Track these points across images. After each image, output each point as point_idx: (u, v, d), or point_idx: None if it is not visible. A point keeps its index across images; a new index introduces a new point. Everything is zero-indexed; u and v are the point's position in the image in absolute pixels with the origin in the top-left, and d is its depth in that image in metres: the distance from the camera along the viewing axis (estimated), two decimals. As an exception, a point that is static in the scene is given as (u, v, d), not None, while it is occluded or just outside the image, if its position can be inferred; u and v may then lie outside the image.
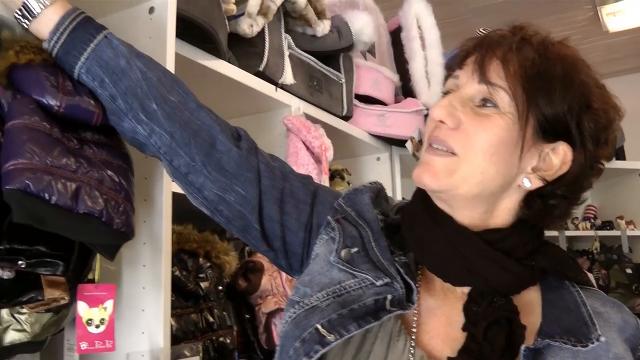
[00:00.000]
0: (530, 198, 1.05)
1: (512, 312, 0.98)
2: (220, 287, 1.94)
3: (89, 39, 1.19)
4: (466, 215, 1.04)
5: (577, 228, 3.96)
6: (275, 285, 2.05)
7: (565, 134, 1.01)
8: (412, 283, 1.04)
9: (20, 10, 1.17)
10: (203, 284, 1.82)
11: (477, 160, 0.99)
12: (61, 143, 1.18)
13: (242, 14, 2.02)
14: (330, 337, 0.95)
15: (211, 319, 1.85)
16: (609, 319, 1.03)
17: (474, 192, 1.01)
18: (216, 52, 1.91)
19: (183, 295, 1.79)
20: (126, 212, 1.23)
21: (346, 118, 2.75)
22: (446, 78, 1.13)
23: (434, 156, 1.02)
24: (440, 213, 1.06)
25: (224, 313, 1.93)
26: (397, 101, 3.11)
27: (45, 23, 1.18)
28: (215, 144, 1.20)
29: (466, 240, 1.03)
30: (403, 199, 3.20)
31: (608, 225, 4.16)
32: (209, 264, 1.85)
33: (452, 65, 1.10)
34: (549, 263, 1.05)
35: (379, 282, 1.03)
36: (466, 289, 1.04)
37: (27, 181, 1.07)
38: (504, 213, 1.06)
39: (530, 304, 1.05)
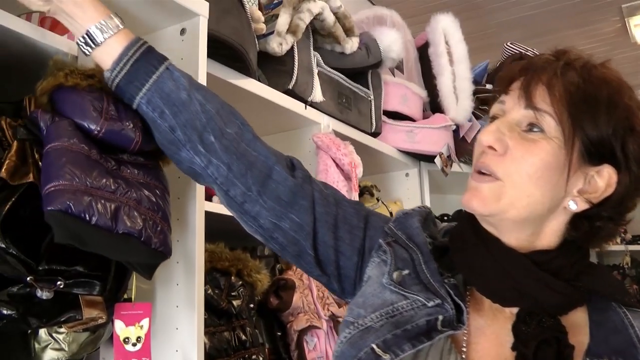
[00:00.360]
0: (577, 220, 1.06)
1: (561, 332, 0.99)
2: (252, 305, 1.95)
3: (151, 71, 1.19)
4: (513, 237, 1.06)
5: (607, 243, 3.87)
6: (306, 303, 2.06)
7: (610, 156, 1.02)
8: (461, 304, 1.06)
9: (83, 37, 1.17)
10: (235, 302, 1.83)
11: (523, 185, 1.01)
12: (99, 164, 1.20)
13: (272, 33, 2.04)
14: (386, 357, 0.98)
15: (243, 337, 1.86)
16: None
17: (522, 216, 1.03)
18: (246, 71, 1.93)
19: (216, 314, 1.80)
20: (164, 231, 1.25)
21: (375, 134, 2.75)
22: (491, 101, 1.14)
23: (480, 182, 1.04)
24: (487, 235, 1.08)
25: (256, 331, 1.94)
26: (425, 117, 3.11)
27: (109, 52, 1.18)
28: (272, 174, 1.22)
29: (514, 262, 1.04)
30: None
31: (639, 239, 4.10)
32: (240, 282, 1.85)
33: (497, 90, 1.11)
34: (595, 284, 1.05)
35: (430, 303, 1.05)
36: (515, 310, 1.05)
37: (68, 202, 1.09)
38: (550, 235, 1.07)
39: (578, 324, 1.05)
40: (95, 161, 1.19)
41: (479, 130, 3.15)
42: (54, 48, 1.37)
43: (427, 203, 3.17)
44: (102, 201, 1.14)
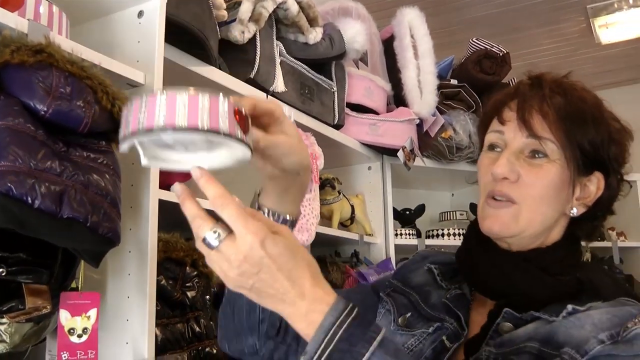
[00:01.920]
0: (579, 222, 1.18)
1: (530, 304, 1.09)
2: (207, 297, 1.91)
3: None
4: (523, 245, 1.16)
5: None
6: (263, 295, 2.02)
7: (599, 164, 1.15)
8: (459, 312, 1.16)
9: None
10: (190, 293, 1.79)
11: (536, 206, 1.12)
12: (46, 146, 1.15)
13: (234, 21, 2.00)
14: None
15: (198, 329, 1.82)
16: (602, 307, 1.04)
17: (538, 231, 1.14)
18: (207, 59, 1.88)
19: (169, 305, 1.75)
20: (112, 217, 1.20)
21: (337, 127, 2.73)
22: (483, 129, 1.24)
23: (498, 209, 1.14)
24: (488, 244, 1.18)
25: (211, 323, 1.90)
26: (389, 110, 3.10)
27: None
28: None
29: (508, 260, 1.15)
30: (394, 208, 3.19)
31: (599, 236, 4.09)
32: (195, 273, 1.81)
33: (487, 120, 1.23)
34: (583, 275, 1.13)
35: (430, 329, 1.16)
36: None
37: (9, 184, 1.04)
38: (553, 238, 1.17)
39: None
40: (41, 142, 1.14)
41: (442, 125, 3.14)
42: (1, 24, 1.31)
43: (390, 197, 3.15)
44: (47, 184, 1.10)
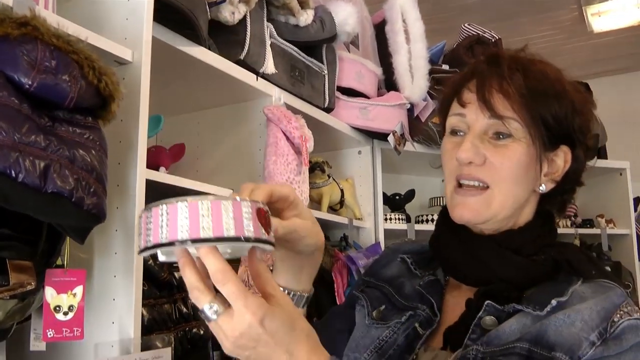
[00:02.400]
0: (548, 198, 1.18)
1: (509, 290, 1.08)
2: (195, 278, 1.90)
3: None
4: (495, 229, 1.15)
5: (557, 226, 3.90)
6: (250, 277, 2.01)
7: (564, 137, 1.13)
8: (432, 299, 1.16)
9: None
10: (177, 274, 1.78)
11: (507, 188, 1.11)
12: (31, 120, 1.13)
13: (224, 1, 1.98)
14: None
15: (185, 310, 1.81)
16: (590, 296, 1.05)
17: (510, 213, 1.13)
18: (196, 39, 1.87)
19: (156, 285, 1.75)
20: (97, 193, 1.19)
21: (328, 110, 2.71)
22: (443, 113, 1.22)
23: (468, 197, 1.12)
24: (460, 229, 1.16)
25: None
26: (380, 95, 3.08)
27: None
28: None
29: (480, 244, 1.14)
30: (384, 194, 3.19)
31: (588, 223, 4.17)
32: (183, 253, 1.80)
33: (447, 103, 1.20)
34: (557, 254, 1.13)
35: (403, 318, 1.15)
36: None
37: (-7, 158, 1.03)
38: (524, 218, 1.17)
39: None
40: (26, 116, 1.12)
41: (433, 110, 3.13)
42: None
43: (380, 182, 3.14)
44: (31, 158, 1.08)
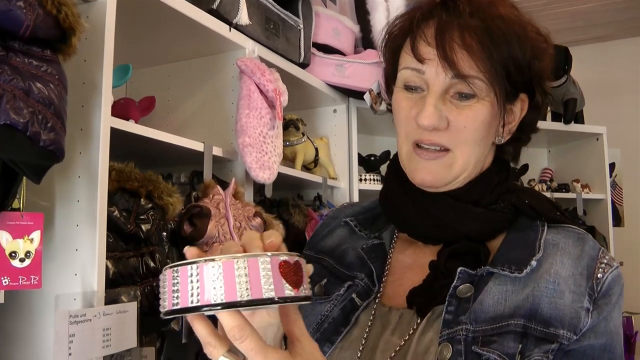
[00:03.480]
0: (503, 146, 1.14)
1: (476, 248, 1.06)
2: (164, 233, 1.84)
3: None
4: (456, 188, 1.10)
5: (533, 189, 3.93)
6: (222, 232, 1.96)
7: (524, 85, 1.08)
8: (372, 265, 1.13)
9: None
10: (144, 226, 1.71)
11: (469, 150, 1.06)
12: (-20, 48, 1.05)
13: (196, -55, 1.91)
14: None
15: (153, 264, 1.75)
16: (565, 248, 1.05)
17: (472, 172, 1.09)
18: (167, -15, 1.79)
19: (123, 238, 1.68)
20: (55, 129, 1.11)
21: (303, 66, 2.65)
22: (391, 55, 1.14)
23: (428, 160, 1.07)
24: (410, 187, 1.11)
25: (168, 260, 1.83)
26: (356, 52, 3.02)
27: None
28: None
29: (434, 202, 1.10)
30: (359, 154, 3.14)
31: (564, 187, 4.18)
32: (150, 205, 1.73)
33: (397, 47, 1.11)
34: (518, 199, 1.10)
35: (342, 290, 1.13)
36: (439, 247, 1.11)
37: (-63, 88, 0.96)
38: (482, 169, 1.12)
39: (496, 246, 1.09)
40: (-25, 45, 1.05)
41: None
42: None
43: (355, 141, 3.10)
44: (-20, 88, 1.01)
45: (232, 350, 0.75)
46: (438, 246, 1.11)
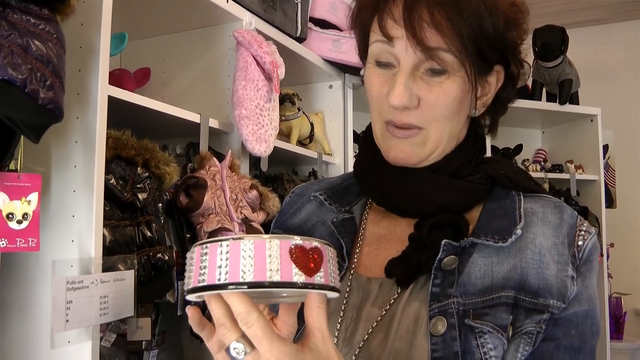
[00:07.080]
0: (478, 118, 1.13)
1: (457, 219, 1.05)
2: (160, 204, 1.83)
3: None
4: (431, 161, 1.08)
5: (527, 170, 3.97)
6: (218, 204, 1.95)
7: (499, 57, 1.05)
8: (341, 240, 1.11)
9: None
10: (141, 195, 1.70)
11: (442, 126, 1.04)
12: (-23, 3, 1.03)
13: None
14: None
15: (149, 234, 1.74)
16: (545, 217, 1.05)
17: (446, 148, 1.08)
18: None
19: (119, 206, 1.67)
20: (54, 87, 1.09)
21: (300, 40, 2.64)
22: (361, 28, 1.09)
23: (401, 138, 1.05)
24: (384, 160, 1.10)
25: (164, 231, 1.82)
26: (353, 28, 3.00)
27: None
28: None
29: (411, 175, 1.08)
30: (354, 131, 3.13)
31: (557, 168, 4.19)
32: (147, 174, 1.72)
33: (366, 22, 1.06)
34: (493, 169, 1.10)
35: None
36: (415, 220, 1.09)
37: None
38: (458, 142, 1.11)
39: (475, 217, 1.09)
40: (-28, -1, 1.03)
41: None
42: None
43: (350, 116, 3.09)
44: (-22, 43, 0.99)
45: (244, 336, 0.73)
46: (414, 219, 1.10)
